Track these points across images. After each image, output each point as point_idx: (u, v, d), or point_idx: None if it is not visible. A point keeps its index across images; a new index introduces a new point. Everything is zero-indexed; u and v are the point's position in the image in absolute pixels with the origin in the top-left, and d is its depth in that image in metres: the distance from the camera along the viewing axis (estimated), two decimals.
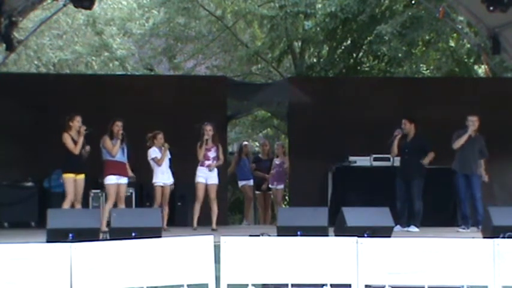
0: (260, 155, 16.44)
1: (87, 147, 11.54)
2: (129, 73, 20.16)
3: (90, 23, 20.24)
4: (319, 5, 18.57)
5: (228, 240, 7.01)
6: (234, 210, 19.96)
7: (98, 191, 13.13)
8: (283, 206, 16.71)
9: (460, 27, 17.24)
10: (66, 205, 11.34)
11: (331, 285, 6.95)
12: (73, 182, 11.44)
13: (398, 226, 11.93)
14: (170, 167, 12.37)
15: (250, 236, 9.02)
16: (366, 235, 8.77)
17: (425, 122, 13.07)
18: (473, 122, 12.30)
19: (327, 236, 9.40)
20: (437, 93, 15.01)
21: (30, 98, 14.01)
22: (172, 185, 12.41)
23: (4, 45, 13.60)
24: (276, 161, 15.40)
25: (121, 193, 11.79)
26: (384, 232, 9.49)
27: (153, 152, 12.31)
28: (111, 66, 20.85)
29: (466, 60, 19.09)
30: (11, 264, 6.62)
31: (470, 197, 12.37)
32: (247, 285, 6.95)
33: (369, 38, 18.69)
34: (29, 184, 13.94)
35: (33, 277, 6.63)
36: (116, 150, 11.75)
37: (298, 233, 9.30)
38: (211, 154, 12.31)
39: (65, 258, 6.69)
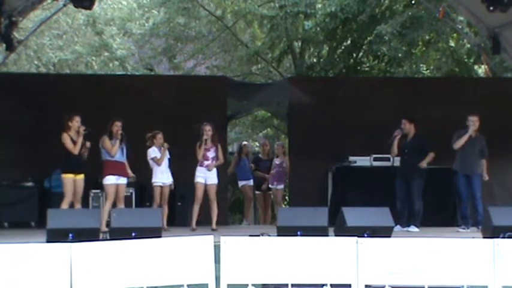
0: (260, 155, 16.45)
1: (88, 143, 11.53)
2: (129, 73, 20.16)
3: (90, 23, 20.25)
4: (319, 5, 18.57)
5: (228, 240, 7.01)
6: (234, 210, 19.97)
7: (98, 191, 13.12)
8: (283, 206, 16.71)
9: (460, 27, 17.24)
10: (64, 205, 11.31)
11: (331, 285, 6.95)
12: (72, 182, 11.42)
13: (398, 226, 11.93)
14: (169, 166, 12.38)
15: (250, 236, 9.02)
16: (366, 235, 8.77)
17: (425, 122, 13.07)
18: (473, 122, 12.29)
19: (327, 236, 9.40)
20: (437, 93, 15.01)
21: (30, 98, 14.01)
22: (171, 184, 12.41)
23: (4, 45, 13.60)
24: (276, 161, 15.40)
25: (120, 193, 11.78)
26: (384, 232, 9.49)
27: (153, 152, 12.32)
28: (111, 66, 20.86)
29: (466, 60, 19.10)
30: (11, 264, 6.62)
31: (471, 197, 12.38)
32: (247, 285, 6.95)
33: (369, 38, 18.70)
34: (29, 184, 13.94)
35: (33, 277, 6.63)
36: (115, 150, 11.74)
37: (298, 233, 9.30)
38: (211, 154, 12.30)
39: (65, 258, 6.69)
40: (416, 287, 6.97)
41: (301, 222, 9.85)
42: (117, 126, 11.78)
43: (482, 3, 12.48)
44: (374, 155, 13.84)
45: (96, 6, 14.93)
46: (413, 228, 12.31)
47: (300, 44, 20.12)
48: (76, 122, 11.49)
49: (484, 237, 9.66)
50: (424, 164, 12.45)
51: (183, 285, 6.83)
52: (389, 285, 6.90)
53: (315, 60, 20.28)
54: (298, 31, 19.38)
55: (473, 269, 6.96)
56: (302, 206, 11.44)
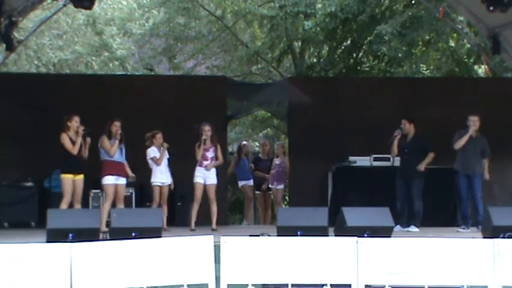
0: (260, 155, 16.45)
1: (88, 139, 11.51)
2: (129, 73, 20.16)
3: (90, 23, 20.25)
4: (319, 5, 18.57)
5: (228, 240, 7.01)
6: (234, 210, 19.97)
7: (98, 191, 13.11)
8: (283, 206, 16.71)
9: (460, 27, 17.24)
10: (63, 206, 11.30)
11: (331, 285, 6.95)
12: (71, 182, 11.41)
13: (398, 226, 11.93)
14: (169, 166, 12.38)
15: (250, 236, 9.02)
16: (366, 235, 8.77)
17: (425, 122, 13.07)
18: (474, 122, 12.29)
19: (327, 236, 9.40)
20: (437, 93, 15.01)
21: (30, 98, 14.01)
22: (171, 184, 12.41)
23: (4, 45, 13.60)
24: (276, 161, 15.41)
25: (120, 193, 11.77)
26: (384, 232, 9.49)
27: (152, 152, 12.32)
28: (111, 66, 20.86)
29: (466, 60, 19.09)
30: (11, 264, 6.62)
31: (471, 197, 12.37)
32: (247, 285, 6.95)
33: (369, 38, 18.70)
34: (29, 184, 13.94)
35: (33, 277, 6.63)
36: (114, 150, 11.73)
37: (298, 233, 9.30)
38: (210, 154, 12.30)
39: (65, 258, 6.69)
40: (416, 287, 6.96)
41: (301, 222, 9.85)
42: (116, 126, 11.77)
43: (482, 3, 12.48)
44: (374, 155, 13.84)
45: (96, 6, 14.93)
46: (413, 228, 12.31)
47: (300, 44, 20.12)
48: (75, 122, 11.48)
49: (484, 237, 9.66)
50: (422, 167, 12.44)
51: (183, 285, 6.83)
52: (389, 285, 6.90)
53: (315, 60, 20.28)
54: (298, 31, 19.38)
55: (473, 269, 6.96)
56: (302, 206, 11.43)
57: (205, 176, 12.27)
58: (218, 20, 20.00)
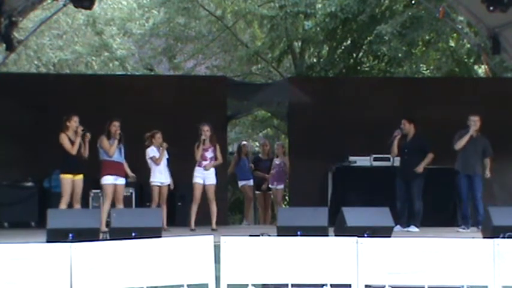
0: (260, 155, 16.44)
1: (88, 135, 11.48)
2: (129, 73, 20.16)
3: (90, 23, 20.25)
4: (319, 5, 18.57)
5: (228, 240, 7.01)
6: (234, 210, 19.96)
7: (98, 191, 13.10)
8: (283, 206, 16.71)
9: (460, 27, 17.23)
10: (62, 206, 11.29)
11: (331, 285, 6.95)
12: (71, 182, 11.39)
13: (398, 226, 11.93)
14: (168, 166, 12.37)
15: (250, 236, 9.02)
16: (366, 235, 8.77)
17: (425, 122, 13.07)
18: (474, 122, 12.28)
19: (327, 236, 9.40)
20: (437, 93, 15.01)
21: (30, 98, 14.01)
22: (170, 184, 12.40)
23: (4, 45, 13.59)
24: (276, 161, 15.40)
25: (119, 193, 11.77)
26: (384, 232, 9.49)
27: (151, 151, 12.31)
28: (111, 66, 20.86)
29: (466, 60, 19.09)
30: (11, 264, 6.62)
31: (471, 197, 12.37)
32: (247, 285, 6.95)
33: (369, 38, 18.70)
34: (29, 184, 13.94)
35: (33, 277, 6.63)
36: (113, 150, 11.73)
37: (298, 233, 9.30)
38: (209, 154, 12.29)
39: (65, 258, 6.69)
40: (416, 287, 6.97)
41: (301, 222, 9.85)
42: (115, 126, 11.76)
43: (482, 3, 12.48)
44: (374, 155, 13.84)
45: (96, 6, 14.93)
46: (413, 228, 12.31)
47: (300, 44, 20.12)
48: (74, 122, 11.46)
49: (484, 237, 9.66)
50: (420, 169, 12.42)
51: (183, 285, 6.83)
52: (389, 285, 6.90)
53: (315, 60, 20.28)
54: (298, 31, 19.38)
55: (473, 269, 6.96)
56: (302, 206, 11.43)
57: (204, 176, 12.27)
58: (218, 20, 20.00)
